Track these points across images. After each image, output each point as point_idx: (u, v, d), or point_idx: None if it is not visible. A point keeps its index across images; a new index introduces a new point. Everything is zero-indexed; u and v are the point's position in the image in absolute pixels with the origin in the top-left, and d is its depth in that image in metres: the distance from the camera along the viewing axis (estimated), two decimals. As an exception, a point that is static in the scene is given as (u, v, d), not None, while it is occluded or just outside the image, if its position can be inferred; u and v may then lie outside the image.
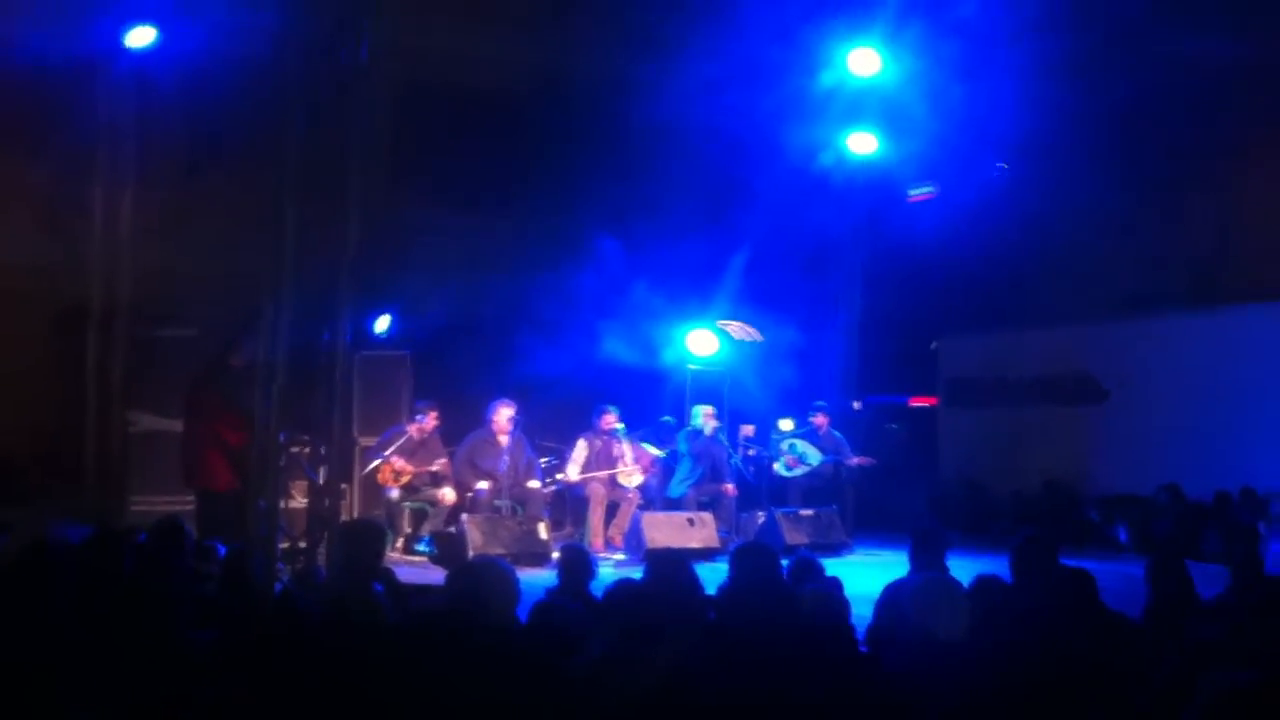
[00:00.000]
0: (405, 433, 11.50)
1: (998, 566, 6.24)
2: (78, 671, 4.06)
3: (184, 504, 10.02)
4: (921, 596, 5.98)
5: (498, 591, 4.58)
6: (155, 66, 11.31)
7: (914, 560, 6.39)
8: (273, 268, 7.65)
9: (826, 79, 13.15)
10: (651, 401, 13.79)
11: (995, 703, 3.98)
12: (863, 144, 13.62)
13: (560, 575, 6.16)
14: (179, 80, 11.30)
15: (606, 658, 4.35)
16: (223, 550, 6.91)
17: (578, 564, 6.16)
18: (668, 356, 13.65)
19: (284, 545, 8.07)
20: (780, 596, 5.59)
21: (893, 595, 6.00)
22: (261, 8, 8.49)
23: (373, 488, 11.69)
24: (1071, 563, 6.44)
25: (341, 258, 7.93)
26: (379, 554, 6.45)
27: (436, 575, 6.47)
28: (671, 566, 5.74)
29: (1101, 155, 13.97)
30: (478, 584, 4.60)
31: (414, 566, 10.34)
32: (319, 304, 7.98)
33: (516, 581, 4.66)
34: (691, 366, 13.90)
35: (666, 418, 13.65)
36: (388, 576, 5.98)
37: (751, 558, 6.23)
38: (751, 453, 13.44)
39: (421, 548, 11.02)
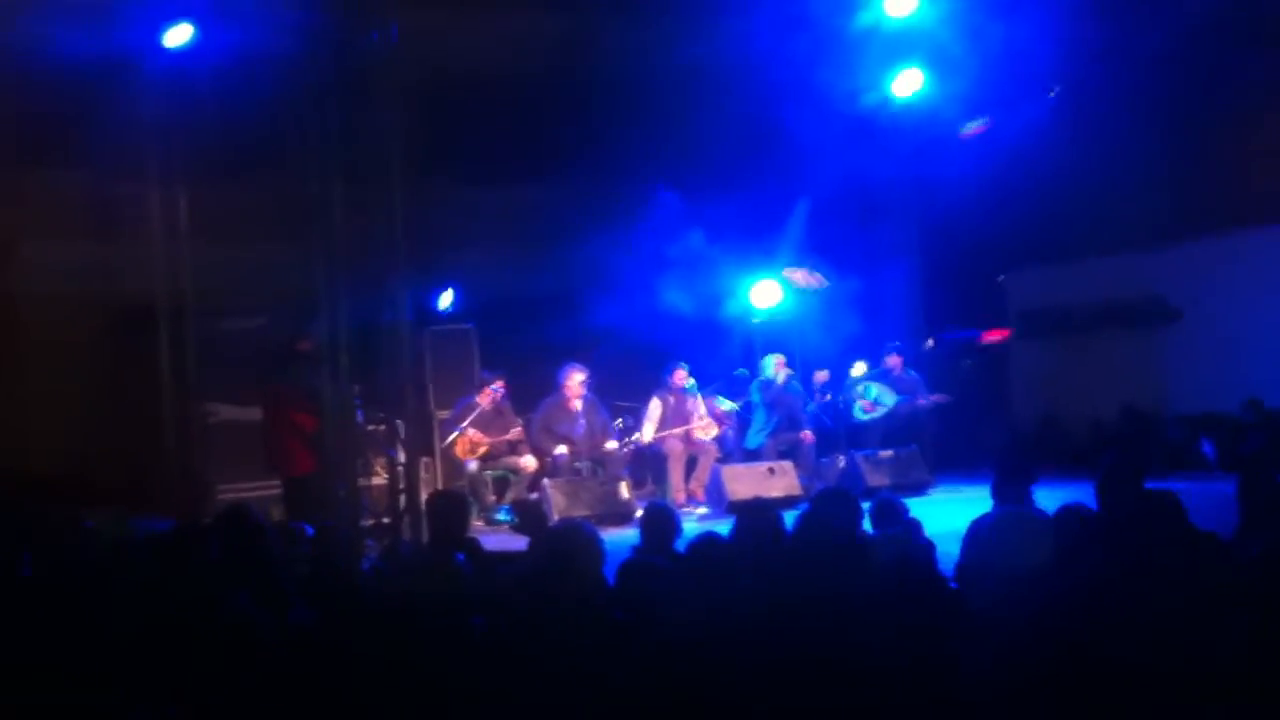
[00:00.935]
0: (476, 403, 11.58)
1: (1082, 496, 6.16)
2: (158, 662, 4.11)
3: (270, 489, 10.20)
4: (1005, 530, 5.94)
5: (583, 554, 4.58)
6: (194, 64, 11.38)
7: (997, 495, 6.31)
8: (323, 254, 7.73)
9: (864, 19, 12.95)
10: (719, 355, 13.75)
11: (1085, 631, 3.92)
12: (908, 84, 13.39)
13: (643, 534, 6.15)
14: (218, 77, 11.38)
15: (693, 614, 4.34)
16: (310, 532, 6.99)
17: (661, 521, 6.13)
18: (732, 309, 13.61)
19: (369, 523, 8.17)
20: (846, 543, 5.51)
21: (977, 531, 5.95)
22: (292, 2, 8.52)
23: (454, 461, 11.80)
24: (1158, 485, 6.34)
25: (393, 238, 7.99)
26: (463, 524, 6.50)
27: (520, 543, 6.51)
28: (757, 516, 5.73)
29: (1158, 74, 13.65)
30: (562, 548, 4.61)
31: (500, 534, 10.41)
32: (377, 285, 8.05)
33: (601, 543, 4.65)
34: (757, 318, 13.85)
35: (740, 370, 13.62)
36: (472, 546, 6.00)
37: (827, 503, 6.22)
38: (828, 398, 13.37)
39: (501, 516, 11.10)
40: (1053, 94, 14.43)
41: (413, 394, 8.44)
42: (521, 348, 13.17)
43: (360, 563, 6.99)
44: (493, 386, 11.64)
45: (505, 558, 5.90)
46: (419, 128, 10.80)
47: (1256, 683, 3.31)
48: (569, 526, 4.92)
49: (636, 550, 5.87)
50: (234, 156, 12.73)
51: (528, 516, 6.70)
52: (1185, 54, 13.54)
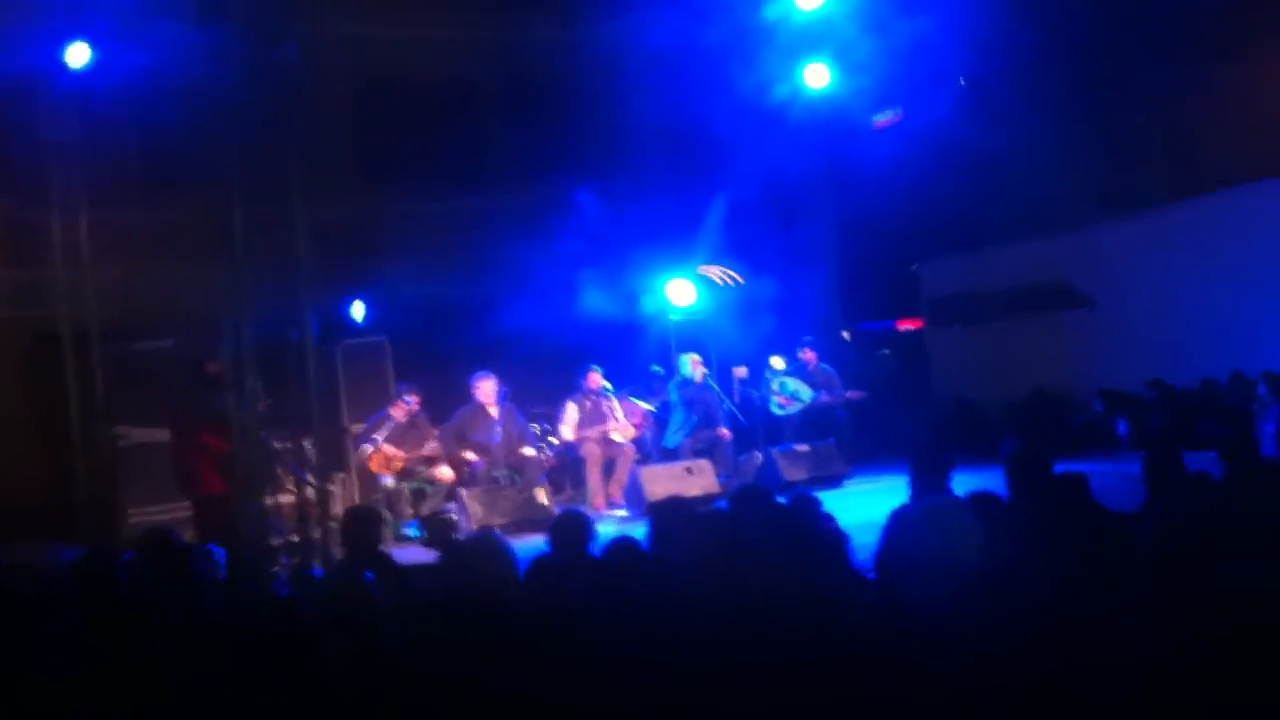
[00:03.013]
0: (389, 416, 11.47)
1: (997, 481, 6.23)
2: (77, 694, 4.03)
3: (183, 511, 10.03)
4: (924, 521, 5.96)
5: (494, 564, 4.54)
6: (94, 85, 11.20)
7: (915, 485, 6.34)
8: (227, 273, 7.63)
9: (772, 12, 13.01)
10: (635, 355, 13.75)
11: (1003, 618, 3.95)
12: (817, 77, 13.48)
13: (552, 540, 6.10)
14: (119, 98, 11.21)
15: (608, 616, 4.32)
16: (222, 555, 6.88)
17: (572, 527, 6.08)
18: (648, 308, 13.61)
19: (278, 543, 8.07)
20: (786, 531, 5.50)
21: (896, 522, 5.97)
22: (192, 21, 8.38)
23: (370, 475, 11.68)
24: (1073, 466, 6.41)
25: (296, 254, 7.91)
26: (376, 539, 6.43)
27: (432, 557, 6.46)
28: (672, 515, 5.70)
29: (1064, 62, 13.88)
30: (471, 559, 4.56)
31: (411, 549, 10.32)
32: (285, 302, 7.97)
33: (512, 551, 4.61)
34: (673, 317, 13.86)
35: (655, 368, 13.61)
36: (382, 562, 5.93)
37: (749, 498, 6.22)
38: (753, 394, 13.42)
39: (410, 532, 10.99)
40: (962, 84, 14.60)
41: (323, 410, 8.32)
42: (437, 357, 13.09)
43: (271, 583, 6.89)
44: (406, 399, 11.53)
45: (416, 571, 5.83)
46: (326, 141, 10.72)
47: (1165, 651, 3.35)
48: (477, 538, 4.86)
49: (543, 558, 5.81)
50: (136, 177, 12.59)
51: (436, 530, 6.64)
52: (1089, 43, 13.78)
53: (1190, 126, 13.78)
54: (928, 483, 6.27)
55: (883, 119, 15.10)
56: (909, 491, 6.37)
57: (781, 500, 6.35)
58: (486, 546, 4.63)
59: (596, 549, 5.65)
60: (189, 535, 9.08)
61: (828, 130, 14.74)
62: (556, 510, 10.56)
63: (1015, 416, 14.11)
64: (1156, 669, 3.31)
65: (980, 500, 5.90)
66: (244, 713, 4.06)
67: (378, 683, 4.04)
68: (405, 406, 11.51)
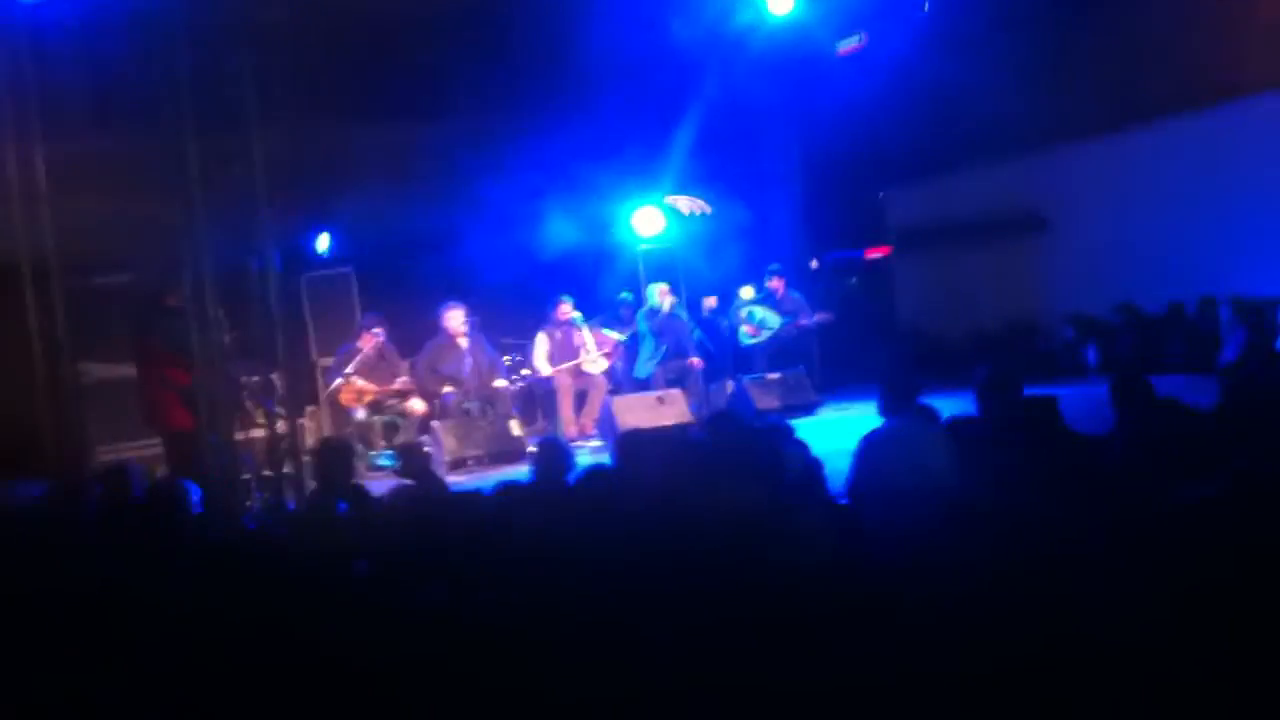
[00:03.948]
0: (358, 349, 11.40)
1: (964, 406, 6.25)
2: (49, 628, 3.99)
3: (151, 447, 9.97)
4: (895, 444, 5.99)
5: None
6: (45, 16, 10.97)
7: (884, 410, 6.36)
8: (181, 205, 7.54)
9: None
10: (604, 285, 13.70)
11: (975, 539, 3.96)
12: (781, 3, 13.35)
13: (535, 468, 6.10)
14: (70, 28, 10.99)
15: (582, 544, 4.31)
16: (196, 491, 6.84)
17: (554, 455, 6.08)
18: (616, 237, 13.55)
19: (248, 477, 8.04)
20: (759, 457, 5.52)
21: (867, 446, 5.99)
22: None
23: (341, 409, 11.63)
24: (1043, 390, 6.44)
25: (253, 184, 7.80)
26: (347, 472, 6.41)
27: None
28: (639, 445, 5.72)
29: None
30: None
31: (385, 480, 10.31)
32: (245, 234, 7.88)
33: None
34: (642, 246, 13.80)
35: (624, 294, 13.56)
36: (356, 493, 5.91)
37: (723, 423, 6.23)
38: (722, 323, 13.40)
39: (384, 461, 10.97)
40: (925, 9, 14.48)
41: (289, 343, 8.25)
42: (403, 289, 13.01)
43: (242, 516, 6.86)
44: (373, 331, 11.45)
45: (387, 502, 5.82)
46: (284, 69, 10.52)
47: (1130, 572, 3.37)
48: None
49: (526, 485, 5.81)
50: (93, 110, 12.33)
51: (410, 461, 6.62)
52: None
53: (1153, 47, 13.70)
54: (897, 406, 6.29)
55: (846, 46, 14.99)
56: (881, 417, 6.39)
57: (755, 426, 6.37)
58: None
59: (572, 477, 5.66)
60: (160, 470, 9.05)
61: (791, 57, 14.61)
62: (530, 441, 10.59)
63: (984, 343, 14.17)
64: (1122, 589, 3.33)
65: (956, 425, 5.94)
66: (216, 647, 4.03)
67: (352, 614, 4.02)
68: (372, 338, 11.44)
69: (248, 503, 7.86)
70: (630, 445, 5.81)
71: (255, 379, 8.40)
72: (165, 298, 8.96)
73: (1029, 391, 6.13)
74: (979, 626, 3.10)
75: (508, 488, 4.86)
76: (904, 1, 14.24)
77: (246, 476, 8.23)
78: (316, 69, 13.42)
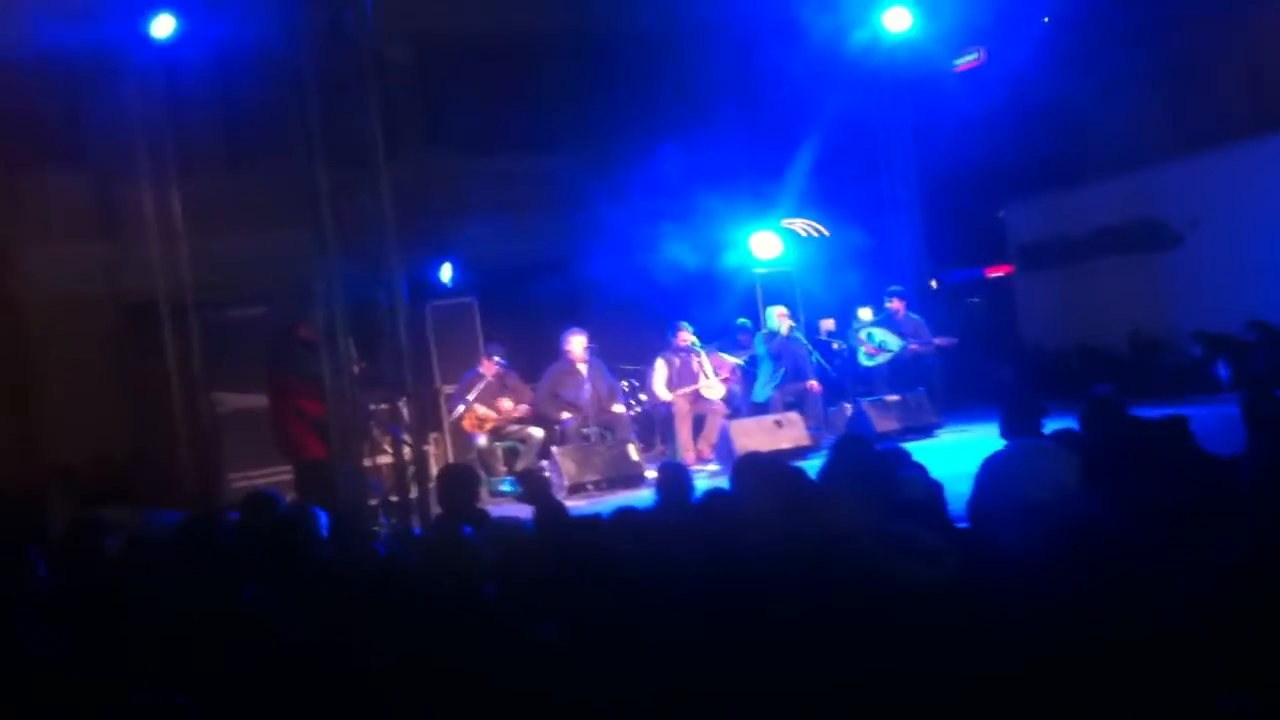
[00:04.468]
0: (480, 375, 11.59)
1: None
2: (179, 656, 4.14)
3: (283, 475, 10.25)
4: (1018, 464, 5.93)
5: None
6: (178, 57, 11.39)
7: (1006, 432, 6.30)
8: (316, 238, 7.77)
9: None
10: (721, 309, 13.73)
11: (1099, 559, 3.92)
12: (898, 21, 13.31)
13: (660, 491, 6.16)
14: (203, 69, 11.40)
15: (705, 566, 4.35)
16: (325, 518, 7.03)
17: (677, 478, 6.15)
18: (732, 261, 13.59)
19: (376, 503, 8.24)
20: (878, 481, 5.51)
21: (990, 467, 5.94)
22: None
23: (464, 435, 11.83)
24: (1173, 409, 6.30)
25: (382, 217, 8.02)
26: (471, 497, 6.54)
27: (527, 513, 6.57)
28: (759, 468, 5.72)
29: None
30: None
31: (507, 506, 10.45)
32: (373, 265, 8.09)
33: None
34: (759, 269, 13.82)
35: (742, 320, 13.58)
36: (481, 518, 6.03)
37: (849, 447, 6.22)
38: (836, 346, 13.35)
39: (505, 487, 11.12)
40: (1045, 21, 14.33)
41: (415, 371, 8.46)
42: (524, 316, 13.19)
43: (370, 542, 7.02)
44: (494, 358, 11.63)
45: (513, 525, 5.92)
46: (404, 104, 10.80)
47: (1260, 598, 3.31)
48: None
49: (651, 510, 5.87)
50: (225, 148, 12.80)
51: (531, 486, 6.73)
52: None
53: (1276, 55, 13.36)
54: (1020, 428, 6.23)
55: (964, 62, 14.89)
56: (1003, 439, 6.33)
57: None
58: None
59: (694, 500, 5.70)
60: (290, 498, 9.29)
61: (909, 75, 14.55)
62: (648, 466, 10.66)
63: (1110, 363, 13.90)
64: (1253, 610, 3.27)
65: (1074, 439, 5.86)
66: (347, 670, 4.14)
67: (481, 633, 4.11)
68: (493, 365, 11.62)
69: (375, 528, 8.04)
70: (747, 469, 5.83)
71: (383, 407, 8.60)
72: (298, 330, 9.22)
73: (1158, 411, 6.02)
74: (1099, 650, 3.07)
75: (627, 513, 4.92)
76: (1023, 16, 14.11)
77: (374, 502, 8.43)
78: (437, 104, 13.74)
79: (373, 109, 8.08)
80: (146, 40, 11.42)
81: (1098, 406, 5.87)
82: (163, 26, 11.38)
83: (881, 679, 3.08)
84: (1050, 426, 6.24)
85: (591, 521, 5.10)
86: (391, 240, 8.08)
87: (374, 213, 8.05)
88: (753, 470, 5.70)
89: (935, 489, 5.75)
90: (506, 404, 11.56)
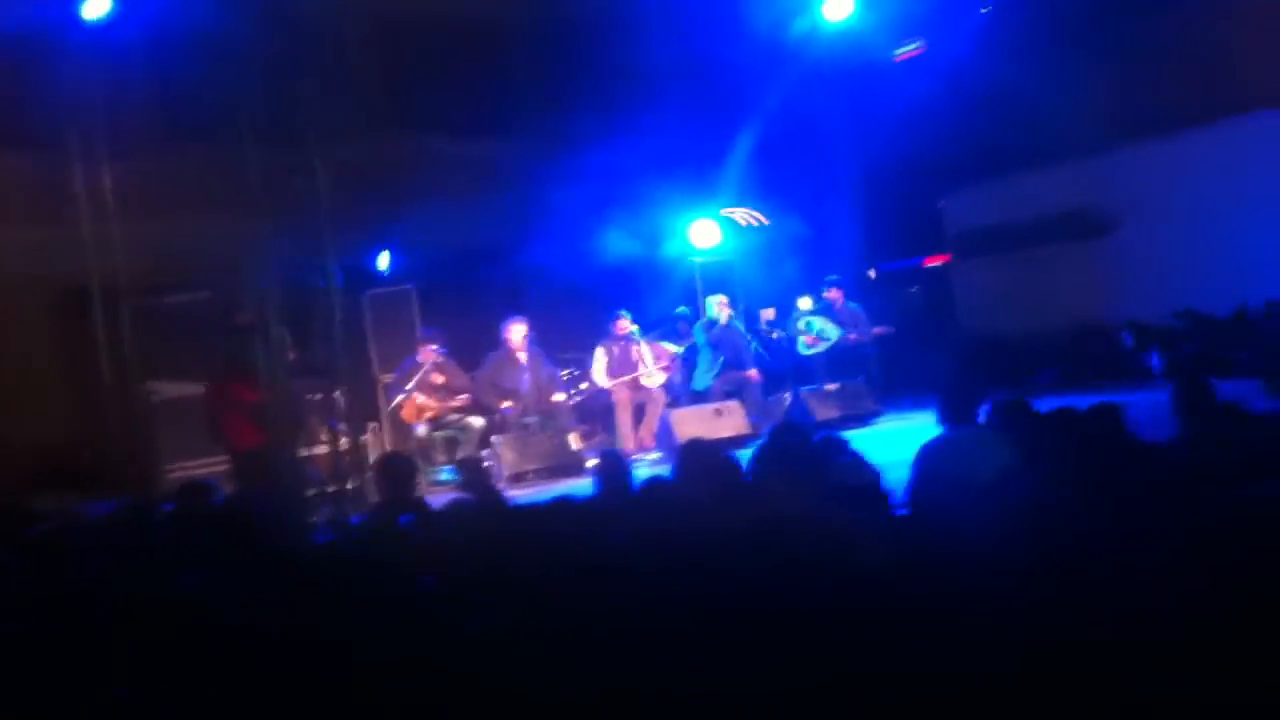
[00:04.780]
0: (418, 363, 11.53)
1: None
2: (111, 645, 4.08)
3: (219, 465, 10.13)
4: (954, 450, 5.97)
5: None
6: (112, 37, 11.20)
7: (944, 419, 6.35)
8: (247, 223, 7.68)
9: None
10: (661, 298, 13.74)
11: (1035, 539, 3.95)
12: (838, 9, 13.34)
13: (599, 481, 6.16)
14: (137, 48, 11.21)
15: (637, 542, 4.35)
16: (262, 506, 6.95)
17: (616, 467, 6.15)
18: (671, 250, 13.59)
19: (314, 493, 8.16)
20: (813, 467, 5.55)
21: (926, 454, 5.99)
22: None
23: (402, 425, 11.76)
24: (1106, 398, 6.37)
25: (319, 202, 7.94)
26: (409, 486, 6.50)
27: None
28: (700, 457, 5.73)
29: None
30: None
31: (446, 495, 10.39)
32: (310, 252, 8.00)
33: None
34: (699, 258, 13.84)
35: (682, 308, 13.60)
36: (419, 507, 5.99)
37: (784, 434, 6.24)
38: (775, 335, 13.40)
39: (445, 476, 11.08)
40: (984, 11, 14.41)
41: (352, 360, 8.39)
42: (463, 304, 13.13)
43: (308, 532, 6.96)
44: (431, 346, 11.57)
45: (451, 514, 5.88)
46: (344, 85, 10.67)
47: (1191, 579, 3.35)
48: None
49: (591, 500, 5.86)
50: (159, 129, 12.56)
51: (471, 475, 6.70)
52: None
53: (1218, 47, 13.52)
54: (957, 415, 6.28)
55: (904, 51, 14.95)
56: (939, 425, 6.38)
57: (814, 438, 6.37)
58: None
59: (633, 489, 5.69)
60: (227, 488, 9.19)
61: (849, 64, 14.59)
62: (589, 455, 10.65)
63: (1047, 350, 14.05)
64: (1181, 597, 3.31)
65: (1006, 414, 5.91)
66: (286, 661, 4.10)
67: (416, 627, 4.08)
68: (430, 353, 11.56)
69: (313, 518, 7.97)
70: (691, 456, 5.84)
71: (319, 396, 8.53)
72: (235, 317, 9.11)
73: (1091, 400, 6.08)
74: (1036, 629, 3.10)
75: (563, 502, 4.91)
76: (962, 5, 14.18)
77: (312, 492, 8.36)
78: (376, 86, 13.59)
79: (308, 91, 7.97)
80: (79, 20, 11.22)
81: (1001, 411, 5.94)
82: (95, 7, 11.18)
83: (822, 666, 3.09)
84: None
85: (529, 511, 5.08)
86: (328, 225, 8.00)
87: (311, 197, 7.95)
88: (695, 457, 5.71)
89: (872, 475, 5.80)
90: (438, 379, 11.50)
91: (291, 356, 8.15)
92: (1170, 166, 13.81)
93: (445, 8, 13.29)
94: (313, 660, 3.94)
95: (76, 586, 4.52)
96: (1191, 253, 13.34)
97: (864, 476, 5.55)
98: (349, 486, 8.34)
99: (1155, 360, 12.73)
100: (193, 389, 10.55)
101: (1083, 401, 5.90)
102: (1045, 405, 6.04)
